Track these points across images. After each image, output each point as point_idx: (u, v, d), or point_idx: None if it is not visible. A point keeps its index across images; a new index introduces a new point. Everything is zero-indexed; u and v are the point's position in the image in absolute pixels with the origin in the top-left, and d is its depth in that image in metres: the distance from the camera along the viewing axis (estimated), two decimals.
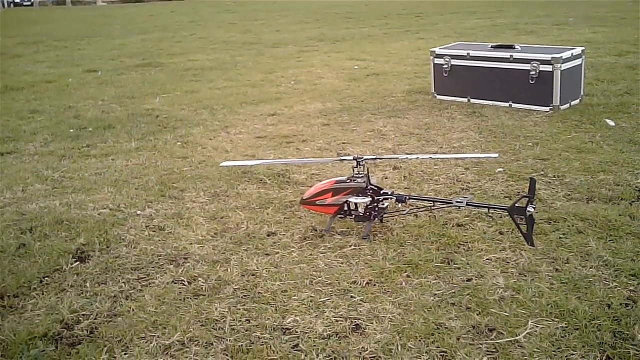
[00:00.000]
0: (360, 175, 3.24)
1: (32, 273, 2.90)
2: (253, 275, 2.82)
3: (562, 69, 5.42)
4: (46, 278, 2.87)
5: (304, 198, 3.31)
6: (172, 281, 2.80)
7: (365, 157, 3.27)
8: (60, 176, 4.37)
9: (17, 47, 14.02)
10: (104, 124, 5.92)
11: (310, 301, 2.57)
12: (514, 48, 5.90)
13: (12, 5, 44.50)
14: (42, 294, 2.74)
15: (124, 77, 9.03)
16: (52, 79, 9.02)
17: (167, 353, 2.29)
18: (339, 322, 2.42)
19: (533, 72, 5.51)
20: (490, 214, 3.27)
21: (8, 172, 4.52)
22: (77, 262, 3.02)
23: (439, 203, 3.23)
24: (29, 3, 46.09)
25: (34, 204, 3.80)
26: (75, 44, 14.32)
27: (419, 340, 2.27)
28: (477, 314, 2.41)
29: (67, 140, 5.42)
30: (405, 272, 2.77)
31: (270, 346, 2.28)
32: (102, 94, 7.67)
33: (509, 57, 5.70)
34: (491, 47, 6.09)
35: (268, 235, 3.23)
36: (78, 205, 3.75)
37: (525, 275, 2.69)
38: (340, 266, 2.86)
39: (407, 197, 3.22)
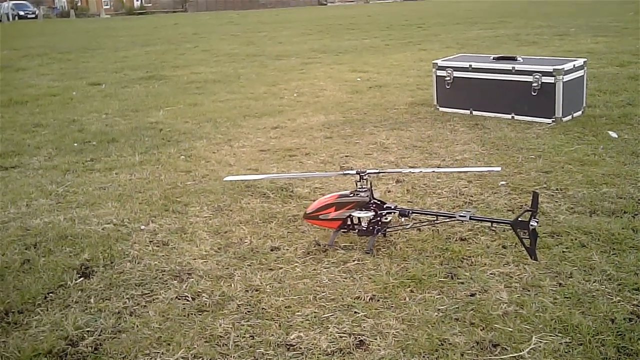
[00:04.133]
0: (364, 190, 3.25)
1: (36, 289, 2.91)
2: (257, 290, 2.82)
3: (564, 80, 5.44)
4: (50, 294, 2.88)
5: (308, 212, 3.32)
6: (176, 297, 2.80)
7: (368, 171, 3.28)
8: (64, 191, 4.39)
9: (22, 60, 14.10)
10: (107, 138, 5.94)
11: (314, 317, 2.57)
12: (516, 60, 5.92)
13: (16, 18, 44.77)
14: (47, 310, 2.74)
15: (128, 90, 9.07)
16: (56, 92, 9.06)
17: None
18: (343, 338, 2.42)
19: (535, 84, 5.53)
20: (493, 228, 3.28)
21: (12, 187, 4.53)
22: (82, 278, 3.02)
23: (442, 217, 3.23)
24: (33, 16, 46.40)
25: (38, 219, 3.82)
26: (79, 57, 14.40)
27: (423, 356, 2.27)
28: (481, 330, 2.41)
29: (71, 154, 5.44)
30: (409, 287, 2.77)
31: None
32: (106, 107, 7.70)
33: (511, 69, 5.72)
34: (493, 58, 6.11)
35: (271, 250, 3.24)
36: (82, 220, 3.77)
37: (529, 290, 2.69)
38: (343, 281, 2.86)
39: (410, 211, 3.23)
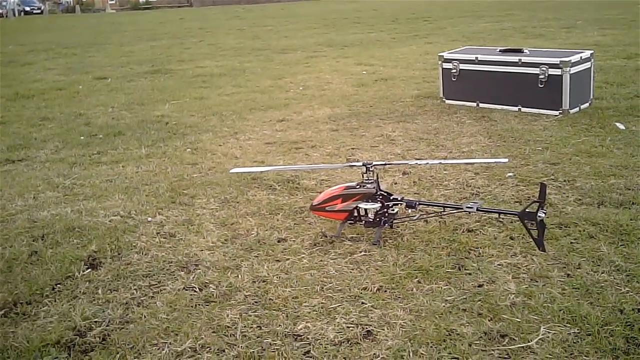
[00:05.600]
0: (370, 181, 3.25)
1: (44, 280, 2.92)
2: (264, 281, 2.82)
3: (571, 72, 5.41)
4: (58, 285, 2.89)
5: (314, 204, 3.31)
6: (184, 288, 2.80)
7: (374, 163, 3.28)
8: (71, 183, 4.39)
9: (28, 55, 14.13)
10: (114, 131, 5.95)
11: (321, 307, 2.57)
12: (523, 52, 5.90)
13: (22, 13, 44.86)
14: (55, 301, 2.75)
15: (134, 84, 9.08)
16: (62, 87, 9.07)
17: None
18: (350, 328, 2.42)
19: (542, 76, 5.50)
20: (500, 219, 3.27)
21: (19, 180, 4.55)
22: (89, 269, 3.03)
23: (449, 208, 3.22)
24: (38, 11, 46.49)
25: (45, 212, 3.83)
26: (84, 51, 14.42)
27: (431, 347, 2.27)
28: (489, 320, 2.41)
29: (78, 147, 5.45)
30: (416, 278, 2.76)
31: (281, 353, 2.29)
32: (112, 101, 7.71)
33: (517, 61, 5.70)
34: (500, 51, 6.09)
35: (278, 242, 3.23)
36: (89, 212, 3.78)
37: (537, 281, 2.68)
38: (350, 272, 2.86)
39: (417, 203, 3.22)
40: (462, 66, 6.11)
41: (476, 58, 6.01)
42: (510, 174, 4.05)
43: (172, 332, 2.46)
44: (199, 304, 2.66)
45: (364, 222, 3.23)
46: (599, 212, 3.34)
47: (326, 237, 3.24)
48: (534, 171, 4.08)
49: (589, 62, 5.67)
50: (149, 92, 8.20)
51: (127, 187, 4.24)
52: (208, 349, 2.34)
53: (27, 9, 46.64)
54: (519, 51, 5.96)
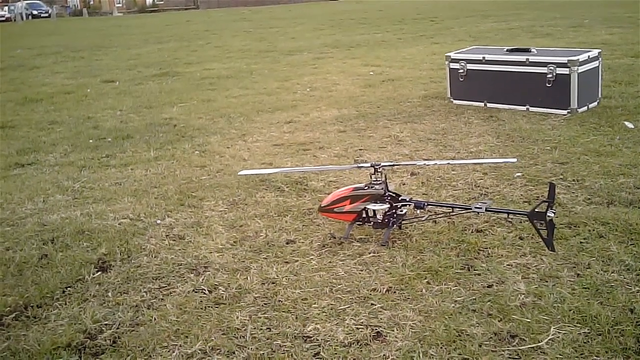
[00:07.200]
0: (378, 182, 3.24)
1: (54, 284, 2.93)
2: (273, 283, 2.83)
3: (579, 71, 5.39)
4: (69, 288, 2.90)
5: (322, 206, 3.32)
6: (193, 290, 2.81)
7: (382, 164, 3.28)
8: (80, 187, 4.41)
9: (36, 59, 14.20)
10: (122, 134, 5.97)
11: (331, 309, 2.57)
12: (530, 51, 5.88)
13: (30, 17, 45.11)
14: (65, 304, 2.77)
15: (142, 86, 9.11)
16: (70, 90, 9.12)
17: None
18: (360, 329, 2.42)
19: (550, 75, 5.49)
20: (509, 220, 3.26)
21: (29, 184, 4.57)
22: (99, 272, 3.04)
23: (457, 209, 3.21)
24: (46, 15, 46.73)
25: (55, 215, 3.85)
26: (92, 55, 14.48)
27: (441, 348, 2.26)
28: (499, 321, 2.40)
29: (87, 150, 5.47)
30: (425, 278, 2.76)
31: (291, 354, 2.29)
32: (121, 104, 7.74)
33: (525, 60, 5.68)
34: (507, 50, 6.07)
35: (287, 243, 3.24)
36: (99, 215, 3.79)
37: (547, 281, 2.67)
38: (359, 273, 2.86)
39: (426, 204, 3.22)
40: (470, 66, 6.10)
41: (483, 58, 6.00)
42: (519, 173, 4.04)
43: (182, 334, 2.47)
44: (209, 306, 2.66)
45: (372, 223, 3.23)
46: (609, 211, 3.33)
47: (335, 238, 3.24)
48: (542, 171, 4.07)
49: (597, 61, 5.64)
50: (156, 95, 8.23)
51: (136, 190, 4.26)
52: (218, 351, 2.35)
53: (35, 12, 46.90)
54: (526, 51, 5.94)
